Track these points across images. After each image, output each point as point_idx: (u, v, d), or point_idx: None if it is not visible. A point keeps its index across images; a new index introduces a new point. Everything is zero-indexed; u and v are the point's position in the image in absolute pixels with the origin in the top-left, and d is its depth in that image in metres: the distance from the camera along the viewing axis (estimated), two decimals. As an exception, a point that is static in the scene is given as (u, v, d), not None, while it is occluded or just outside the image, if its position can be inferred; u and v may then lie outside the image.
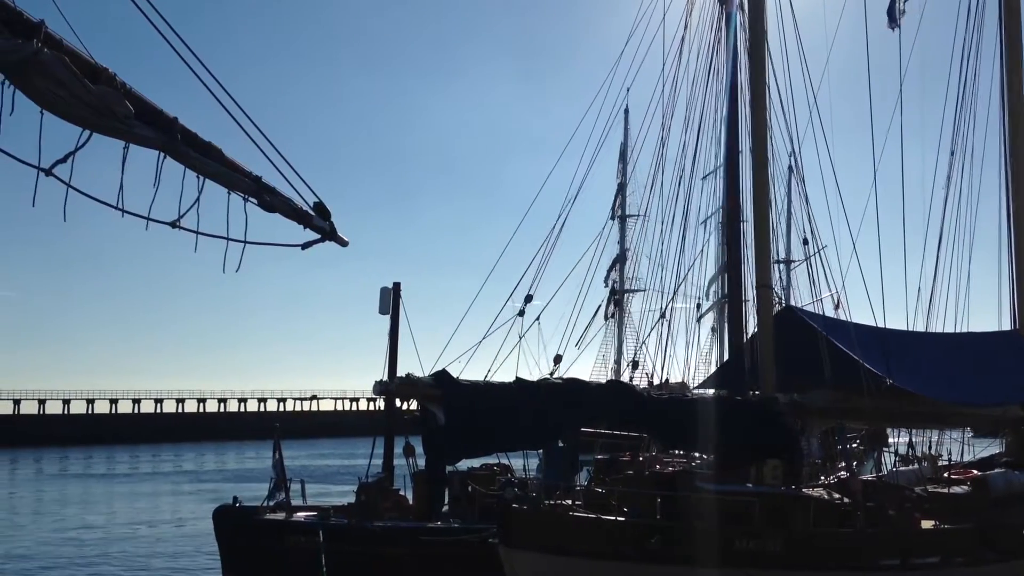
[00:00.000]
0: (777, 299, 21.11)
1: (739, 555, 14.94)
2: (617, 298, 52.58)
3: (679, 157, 22.34)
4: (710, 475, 17.91)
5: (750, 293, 20.59)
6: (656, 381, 29.66)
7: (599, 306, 42.83)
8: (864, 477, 20.60)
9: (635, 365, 31.37)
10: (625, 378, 33.41)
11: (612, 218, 53.26)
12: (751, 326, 20.63)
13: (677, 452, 22.55)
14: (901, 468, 22.13)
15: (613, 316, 52.60)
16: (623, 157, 52.19)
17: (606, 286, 52.35)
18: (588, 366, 51.54)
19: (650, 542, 14.75)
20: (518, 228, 22.75)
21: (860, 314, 21.00)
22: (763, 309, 19.66)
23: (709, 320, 48.42)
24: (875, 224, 21.29)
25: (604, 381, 23.96)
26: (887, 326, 20.39)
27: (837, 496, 17.18)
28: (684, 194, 21.81)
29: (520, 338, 21.44)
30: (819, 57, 24.95)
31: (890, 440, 27.23)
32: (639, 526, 15.27)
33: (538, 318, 22.89)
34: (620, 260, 53.81)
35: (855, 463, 22.62)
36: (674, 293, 23.03)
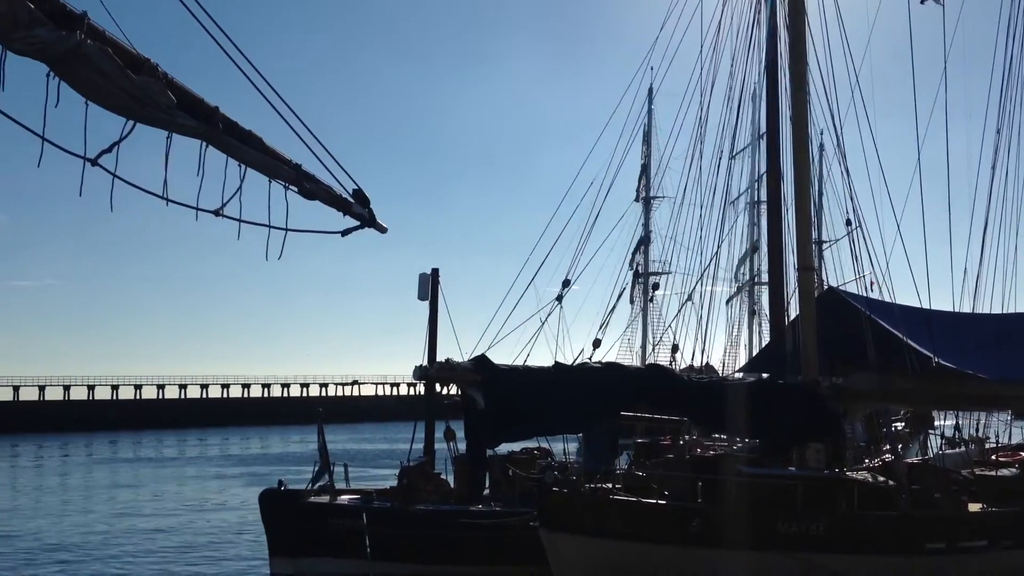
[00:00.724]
0: (819, 281, 20.80)
1: (781, 539, 14.86)
2: (642, 281, 51.93)
3: (718, 137, 22.16)
4: (752, 459, 17.84)
5: (790, 275, 20.37)
6: (696, 365, 29.49)
7: (623, 290, 42.48)
8: (909, 460, 20.37)
9: (675, 349, 31.22)
10: (663, 362, 33.25)
11: (636, 200, 52.51)
12: (788, 309, 20.42)
13: (718, 436, 22.44)
14: (947, 451, 21.84)
15: (640, 300, 51.93)
16: (647, 138, 51.42)
17: (631, 269, 51.74)
18: (613, 351, 51.14)
19: (691, 525, 14.74)
20: (555, 214, 22.73)
21: (904, 295, 20.69)
22: (805, 291, 19.44)
23: (742, 303, 47.86)
24: (919, 204, 20.93)
25: (643, 365, 23.88)
26: (932, 307, 20.08)
27: (882, 479, 17.02)
28: (719, 174, 21.65)
29: (542, 323, 21.45)
30: (860, 35, 24.45)
31: (936, 423, 26.84)
32: (680, 509, 15.25)
33: (559, 299, 22.90)
34: (644, 243, 53.01)
35: (900, 446, 22.35)
36: (712, 276, 22.84)
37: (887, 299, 20.07)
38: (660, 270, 50.42)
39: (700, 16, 21.99)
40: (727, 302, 41.76)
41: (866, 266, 20.01)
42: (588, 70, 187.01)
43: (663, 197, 50.91)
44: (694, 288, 23.09)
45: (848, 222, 20.47)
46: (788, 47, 20.14)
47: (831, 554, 14.90)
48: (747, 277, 48.08)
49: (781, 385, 18.91)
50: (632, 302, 50.68)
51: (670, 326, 33.03)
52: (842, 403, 18.35)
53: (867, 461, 20.05)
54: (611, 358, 45.62)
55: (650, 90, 49.25)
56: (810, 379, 18.56)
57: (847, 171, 20.53)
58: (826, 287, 21.33)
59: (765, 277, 49.02)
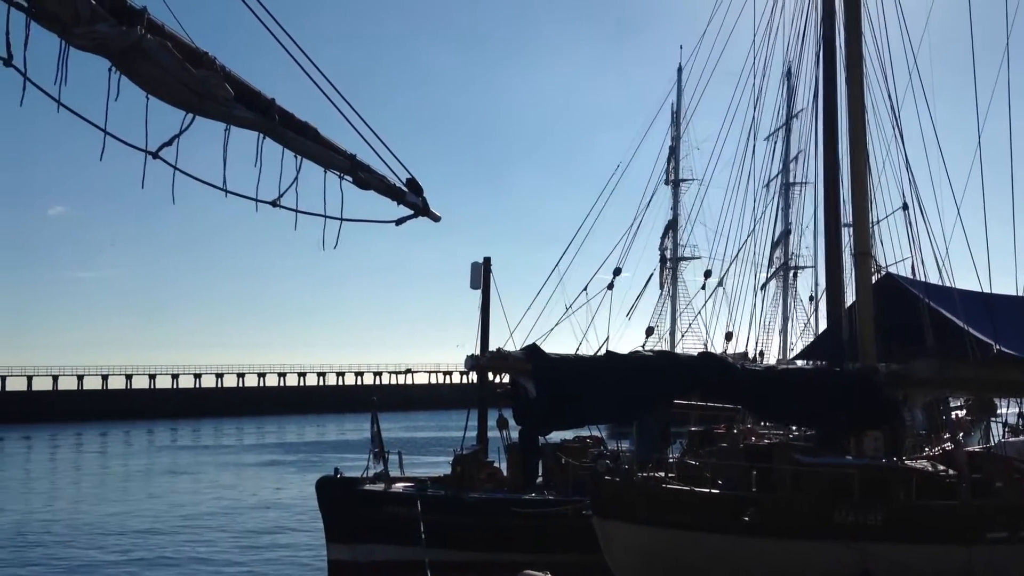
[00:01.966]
0: (876, 266, 20.40)
1: (837, 528, 14.69)
2: (670, 266, 50.78)
3: (756, 119, 21.95)
4: (807, 447, 17.63)
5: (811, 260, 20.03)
6: (751, 353, 29.20)
7: (650, 275, 41.75)
8: (970, 448, 19.95)
9: (728, 336, 30.90)
10: (693, 348, 32.96)
11: (666, 183, 51.08)
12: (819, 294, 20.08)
13: (772, 424, 22.21)
14: (1010, 439, 21.33)
15: (669, 285, 50.70)
16: (675, 119, 49.97)
17: (661, 253, 50.48)
18: (639, 337, 50.04)
19: (745, 515, 14.63)
20: (606, 204, 22.65)
21: (964, 280, 20.22)
22: (862, 277, 19.10)
23: (776, 288, 46.83)
24: (979, 186, 20.42)
25: (696, 352, 23.70)
26: (993, 292, 19.61)
27: (942, 468, 16.71)
28: (753, 156, 21.42)
29: (567, 308, 21.23)
30: (918, 14, 23.85)
31: (999, 410, 26.22)
32: (734, 498, 15.15)
33: (610, 287, 22.82)
34: (672, 227, 51.53)
35: (961, 434, 21.88)
36: (748, 261, 22.52)
37: (947, 284, 19.65)
38: (687, 254, 49.29)
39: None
40: (761, 287, 40.94)
41: (925, 249, 19.58)
42: (640, 53, 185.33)
43: (692, 180, 49.83)
44: (725, 273, 22.85)
45: (905, 205, 20.01)
46: (844, 26, 19.76)
47: (889, 544, 14.67)
48: (781, 261, 47.20)
49: (838, 372, 18.63)
50: (661, 287, 49.67)
51: (700, 313, 32.66)
52: (900, 391, 18.03)
53: (927, 449, 19.69)
54: (638, 343, 44.86)
55: (679, 68, 48.48)
56: (867, 366, 18.26)
57: (905, 152, 20.11)
58: (884, 272, 20.87)
59: (800, 261, 48.02)
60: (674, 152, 51.20)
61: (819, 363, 22.63)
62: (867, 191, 19.36)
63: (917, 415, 21.13)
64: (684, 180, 50.91)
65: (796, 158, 46.86)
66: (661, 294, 50.02)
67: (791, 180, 48.25)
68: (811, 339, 34.06)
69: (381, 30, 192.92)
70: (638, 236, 23.11)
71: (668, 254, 51.04)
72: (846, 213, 19.81)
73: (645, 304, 43.57)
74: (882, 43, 19.90)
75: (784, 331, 45.39)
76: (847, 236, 20.31)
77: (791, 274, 48.38)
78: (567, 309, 22.15)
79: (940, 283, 19.79)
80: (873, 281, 19.60)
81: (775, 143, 48.00)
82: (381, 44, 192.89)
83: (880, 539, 14.68)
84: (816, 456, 16.63)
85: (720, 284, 23.84)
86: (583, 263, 21.99)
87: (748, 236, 22.18)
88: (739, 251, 22.20)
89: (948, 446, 18.46)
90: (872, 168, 19.66)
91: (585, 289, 22.33)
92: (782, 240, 48.14)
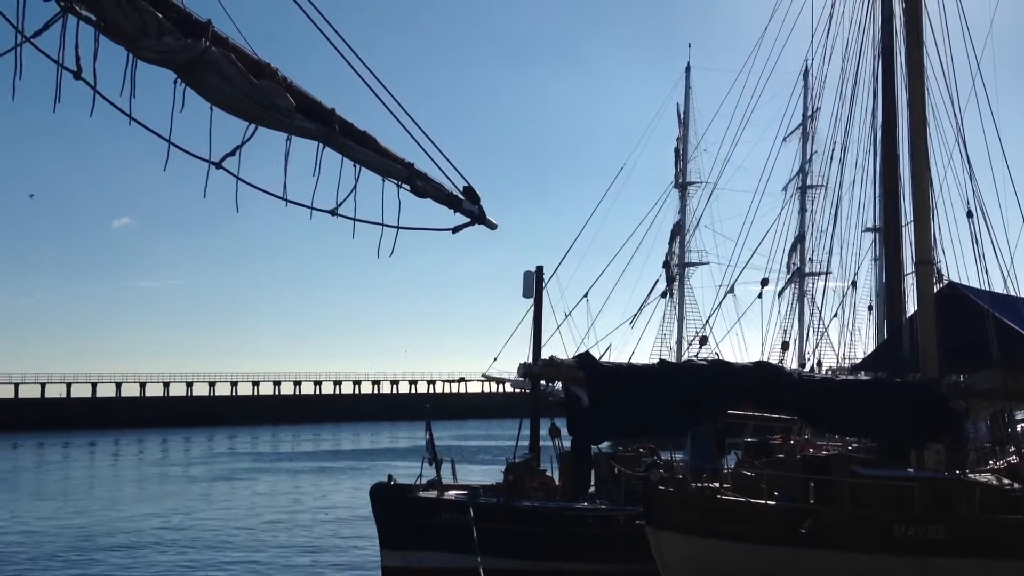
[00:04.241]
0: (938, 275, 19.96)
1: (898, 542, 14.40)
2: (678, 272, 48.74)
3: (840, 125, 21.65)
4: (867, 459, 17.31)
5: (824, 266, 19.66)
6: (808, 362, 28.75)
7: (655, 281, 40.27)
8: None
9: (784, 346, 30.44)
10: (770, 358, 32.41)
11: (675, 186, 48.99)
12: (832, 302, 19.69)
13: (831, 435, 21.82)
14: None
15: (677, 292, 48.64)
16: (684, 120, 48.30)
17: (668, 257, 48.42)
18: (646, 346, 47.77)
19: (802, 527, 14.41)
20: (658, 213, 22.51)
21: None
22: (923, 286, 18.72)
23: (792, 294, 45.24)
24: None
25: (751, 362, 23.42)
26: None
27: (1007, 482, 16.29)
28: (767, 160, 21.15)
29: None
30: (981, 19, 23.34)
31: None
32: (791, 510, 14.93)
33: (664, 295, 22.71)
34: (679, 231, 49.27)
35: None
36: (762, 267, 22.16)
37: (1011, 293, 19.17)
38: (697, 260, 47.44)
39: (811, 2, 21.58)
40: (778, 294, 39.55)
41: (989, 258, 19.11)
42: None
43: (701, 183, 48.08)
44: (736, 279, 22.56)
45: (969, 213, 19.55)
46: (904, 32, 19.43)
47: (951, 559, 14.34)
48: (797, 266, 45.90)
49: (898, 383, 18.25)
50: (672, 295, 47.67)
51: (708, 321, 32.03)
52: (963, 402, 17.62)
53: (991, 463, 19.19)
54: (645, 352, 43.74)
55: (688, 68, 47.53)
56: (929, 377, 17.88)
57: (968, 158, 19.68)
58: (946, 281, 20.40)
59: (814, 267, 46.39)
60: (682, 154, 49.36)
61: (879, 374, 22.19)
62: (928, 199, 18.98)
63: (981, 427, 20.60)
64: (692, 183, 48.94)
65: (810, 161, 45.77)
66: (669, 301, 47.92)
67: (806, 183, 46.89)
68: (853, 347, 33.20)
69: (437, 44, 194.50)
70: (654, 241, 22.97)
71: (675, 260, 48.77)
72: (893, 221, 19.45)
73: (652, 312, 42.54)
74: (943, 48, 19.53)
75: (800, 339, 43.64)
76: (906, 243, 19.93)
77: (809, 280, 46.60)
78: (633, 316, 22.09)
79: (1005, 292, 19.32)
80: (935, 290, 19.19)
81: (794, 144, 46.86)
82: (426, 57, 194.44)
83: (942, 554, 14.35)
84: (875, 468, 16.33)
85: (731, 291, 23.54)
86: (646, 273, 21.89)
87: (786, 240, 21.83)
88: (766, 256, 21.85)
89: (1013, 459, 17.98)
90: (933, 175, 19.27)
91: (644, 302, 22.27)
92: (797, 245, 46.91)
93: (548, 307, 24.54)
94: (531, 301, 24.26)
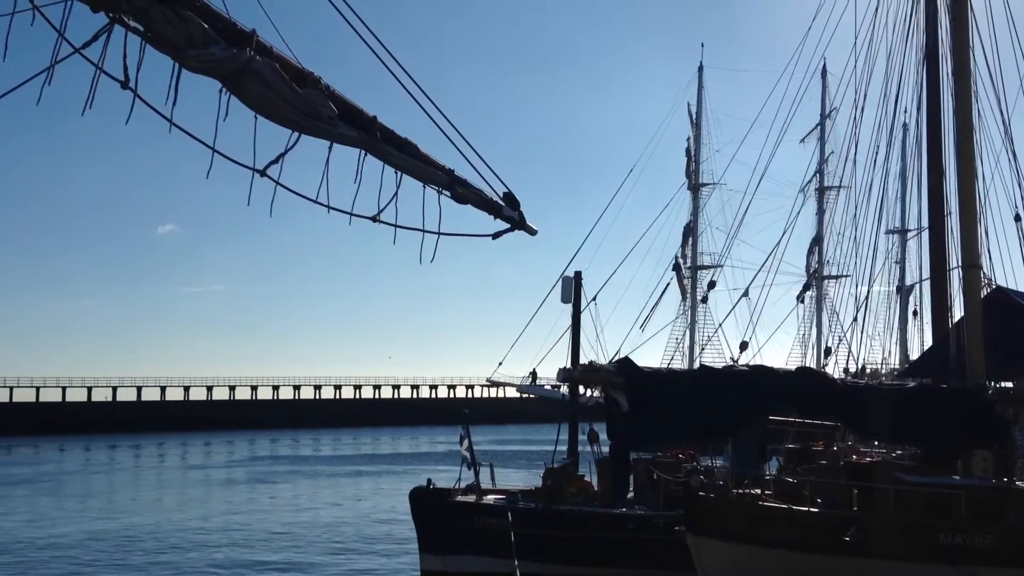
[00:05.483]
0: (986, 279, 19.59)
1: (943, 550, 14.14)
2: (689, 275, 47.37)
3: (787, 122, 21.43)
4: (911, 466, 17.03)
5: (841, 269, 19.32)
6: (852, 367, 28.32)
7: (666, 285, 39.23)
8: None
9: (828, 352, 30.07)
10: (811, 364, 32.04)
11: (688, 188, 47.81)
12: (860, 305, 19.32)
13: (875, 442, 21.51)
14: None
15: (690, 295, 47.27)
16: (697, 120, 47.09)
17: (681, 260, 47.07)
18: (658, 350, 46.53)
19: (845, 534, 14.22)
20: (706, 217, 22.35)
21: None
22: (971, 291, 18.40)
23: (812, 298, 44.06)
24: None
25: (793, 367, 23.16)
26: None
27: (1057, 491, 15.92)
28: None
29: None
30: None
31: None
32: (834, 518, 14.75)
33: (704, 300, 22.61)
34: (692, 233, 47.86)
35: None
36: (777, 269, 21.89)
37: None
38: (711, 263, 46.09)
39: (854, 5, 21.35)
40: (797, 297, 38.53)
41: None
42: (725, 70, 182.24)
43: (715, 184, 46.80)
44: (751, 282, 22.33)
45: (1017, 216, 19.19)
46: (950, 33, 19.13)
47: (998, 568, 14.07)
48: (815, 268, 44.96)
49: (944, 389, 17.94)
50: (684, 297, 46.35)
51: (721, 326, 31.59)
52: (1011, 409, 17.28)
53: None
54: (657, 356, 42.96)
55: (700, 67, 46.59)
56: (976, 383, 17.55)
57: (1016, 162, 19.32)
58: (994, 286, 20.03)
59: (833, 270, 45.21)
60: (695, 155, 47.98)
61: (924, 380, 21.86)
62: (975, 203, 18.66)
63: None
64: (704, 184, 47.60)
65: (826, 161, 44.88)
66: (682, 305, 46.53)
67: (823, 184, 45.99)
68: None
69: (477, 52, 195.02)
70: (666, 242, 22.86)
71: (687, 262, 47.43)
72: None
73: (663, 315, 41.74)
74: (990, 48, 19.20)
75: (818, 343, 42.44)
76: (952, 248, 19.61)
77: (828, 282, 45.36)
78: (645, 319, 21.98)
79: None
80: (982, 295, 18.86)
81: (812, 145, 45.99)
82: (476, 65, 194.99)
83: (989, 562, 14.09)
84: (920, 475, 16.06)
85: (745, 294, 23.27)
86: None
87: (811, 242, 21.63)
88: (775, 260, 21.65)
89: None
90: (980, 178, 18.95)
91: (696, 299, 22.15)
92: (815, 247, 46.05)
93: (587, 311, 24.51)
94: (568, 307, 24.19)
